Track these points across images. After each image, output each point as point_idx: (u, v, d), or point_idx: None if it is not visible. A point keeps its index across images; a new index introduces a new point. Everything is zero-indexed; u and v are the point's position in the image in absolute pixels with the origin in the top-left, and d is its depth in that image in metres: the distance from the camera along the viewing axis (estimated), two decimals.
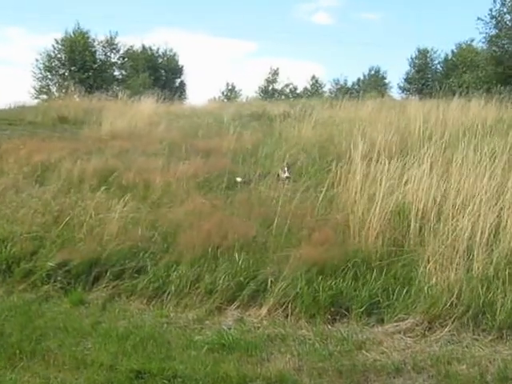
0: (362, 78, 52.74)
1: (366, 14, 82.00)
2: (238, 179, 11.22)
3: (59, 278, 8.00)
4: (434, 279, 6.92)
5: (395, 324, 6.67)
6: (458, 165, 8.66)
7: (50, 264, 8.11)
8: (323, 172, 11.43)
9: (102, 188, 10.24)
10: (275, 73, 48.92)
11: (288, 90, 50.06)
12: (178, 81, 51.20)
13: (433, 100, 21.63)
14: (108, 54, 48.51)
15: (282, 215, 8.78)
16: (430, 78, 43.53)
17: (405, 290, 6.94)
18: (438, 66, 45.03)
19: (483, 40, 27.95)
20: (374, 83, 47.85)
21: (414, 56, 45.43)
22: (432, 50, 45.31)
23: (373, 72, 51.46)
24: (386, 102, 23.25)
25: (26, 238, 8.68)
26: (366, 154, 10.10)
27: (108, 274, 7.98)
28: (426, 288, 6.86)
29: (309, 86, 52.62)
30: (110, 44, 48.06)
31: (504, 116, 16.05)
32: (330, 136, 14.93)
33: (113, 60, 48.85)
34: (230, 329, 6.91)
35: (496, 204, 7.66)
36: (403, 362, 6.07)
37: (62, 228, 8.92)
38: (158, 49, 49.97)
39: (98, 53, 47.65)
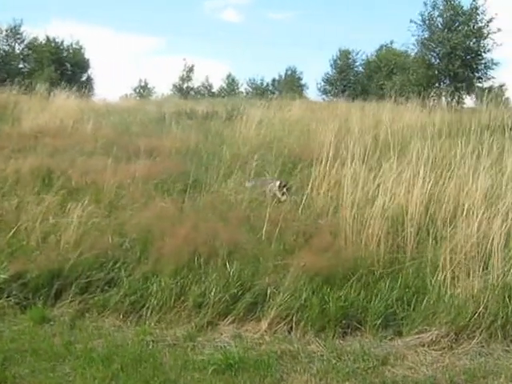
0: (277, 78, 52.41)
1: (273, 14, 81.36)
2: (248, 184, 10.33)
3: (14, 293, 6.92)
4: (454, 288, 6.39)
5: (416, 336, 6.09)
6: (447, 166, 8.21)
7: (3, 276, 7.02)
8: (285, 174, 10.82)
9: (51, 190, 9.14)
10: (190, 70, 47.55)
11: (204, 89, 48.91)
12: (85, 75, 48.85)
13: (364, 102, 21.84)
14: (12, 44, 45.17)
15: (260, 219, 8.08)
16: (352, 79, 43.69)
17: (424, 300, 6.37)
18: (360, 68, 45.28)
19: (414, 43, 28.26)
20: (291, 84, 47.64)
21: (335, 57, 45.43)
22: (353, 51, 45.57)
23: (289, 72, 51.21)
24: (318, 103, 23.26)
25: None
26: (332, 155, 9.56)
27: (73, 287, 6.97)
28: (446, 297, 6.32)
29: (225, 85, 51.85)
30: (15, 34, 44.97)
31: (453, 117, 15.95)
32: (277, 137, 14.32)
33: (17, 51, 45.66)
34: (230, 346, 6.12)
35: (497, 208, 7.21)
36: (434, 377, 5.52)
37: (9, 236, 7.78)
38: (63, 41, 47.33)
39: (0, 43, 44.54)
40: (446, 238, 7.16)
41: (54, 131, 15.07)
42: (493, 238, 6.83)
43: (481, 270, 6.56)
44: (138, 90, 49.81)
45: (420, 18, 27.52)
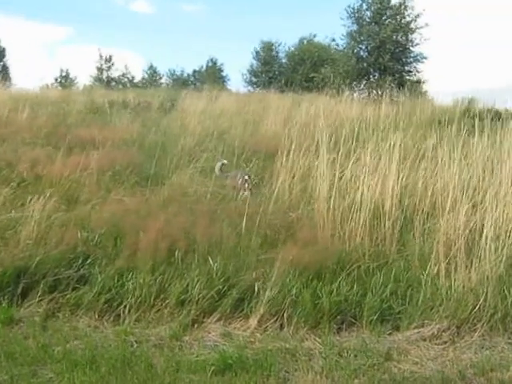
0: (198, 69, 51.68)
1: (186, 6, 79.52)
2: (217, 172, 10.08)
3: None
4: (450, 281, 6.23)
5: (416, 331, 5.91)
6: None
7: None
8: (242, 167, 10.53)
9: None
10: (108, 60, 46.04)
11: (126, 79, 47.47)
12: (1, 64, 46.70)
13: (296, 93, 21.87)
14: None
15: (227, 213, 7.77)
16: (276, 71, 43.45)
17: (419, 294, 6.19)
18: (284, 60, 45.10)
19: (344, 35, 28.34)
20: (212, 75, 47.04)
21: (257, 49, 45.08)
22: (276, 42, 45.40)
23: (210, 64, 50.58)
24: (249, 95, 23.18)
25: None
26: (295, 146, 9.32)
27: (41, 285, 6.43)
28: (443, 291, 6.16)
29: (147, 76, 50.67)
30: None
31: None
32: (222, 128, 14.00)
33: None
34: (221, 345, 5.78)
35: (482, 199, 7.14)
36: (443, 371, 5.33)
37: None
38: None
39: None
40: (432, 231, 7.03)
41: None
42: (481, 230, 6.72)
43: (474, 262, 6.42)
44: (59, 80, 47.90)
45: (348, 10, 27.63)
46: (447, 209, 7.10)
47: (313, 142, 9.72)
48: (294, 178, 8.93)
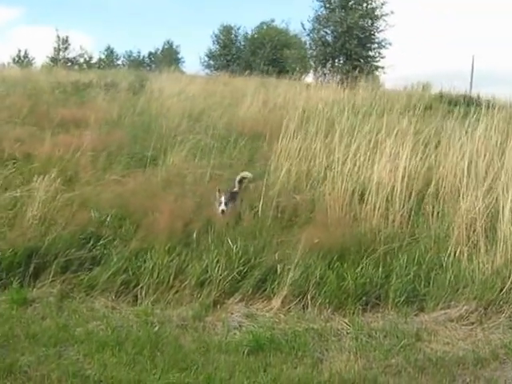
0: (154, 51, 51.13)
1: None
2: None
3: None
4: (473, 263, 6.22)
5: (443, 312, 5.89)
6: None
7: None
8: (231, 149, 10.39)
9: None
10: (64, 41, 45.12)
11: (82, 60, 46.64)
12: None
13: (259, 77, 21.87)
14: None
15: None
16: (235, 54, 43.33)
17: (443, 276, 6.19)
18: (243, 43, 44.92)
19: (311, 20, 28.39)
20: (168, 57, 46.66)
21: (217, 32, 44.84)
22: (235, 26, 45.24)
23: (166, 46, 50.15)
24: (217, 78, 23.22)
25: None
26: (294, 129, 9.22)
27: (53, 265, 6.24)
28: (467, 273, 6.15)
29: (104, 57, 49.93)
30: None
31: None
32: (199, 110, 13.84)
33: None
34: (245, 326, 5.69)
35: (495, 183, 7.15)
36: (476, 352, 5.31)
37: None
38: None
39: None
40: (446, 214, 7.02)
41: None
42: (498, 212, 6.73)
43: (498, 244, 6.42)
44: (16, 60, 46.86)
45: None
46: (462, 192, 7.09)
47: (301, 124, 9.63)
48: (292, 160, 8.76)
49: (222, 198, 7.27)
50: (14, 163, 8.65)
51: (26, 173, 8.16)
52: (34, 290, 6.14)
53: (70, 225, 6.71)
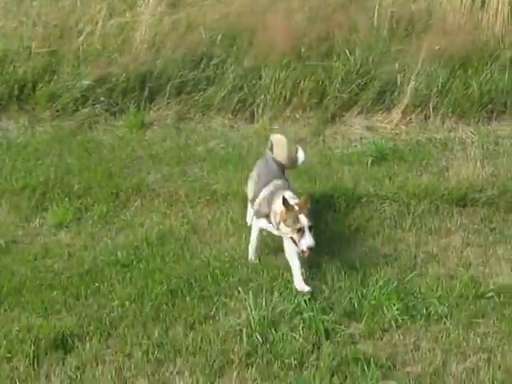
0: None
1: None
2: None
3: (102, 99, 6.16)
4: None
5: None
6: None
7: (86, 82, 6.22)
8: None
9: None
10: None
11: None
12: None
13: None
14: None
15: None
16: None
17: None
18: None
19: None
20: None
21: None
22: None
23: None
24: None
25: (37, 53, 6.61)
26: None
27: (168, 88, 6.21)
28: None
29: None
30: None
31: None
32: None
33: None
34: (365, 138, 5.57)
35: None
36: None
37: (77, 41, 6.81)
38: None
39: None
40: None
41: None
42: None
43: None
44: None
45: None
46: None
47: None
48: None
49: None
50: None
51: None
52: (151, 112, 6.20)
53: (179, 47, 6.57)
